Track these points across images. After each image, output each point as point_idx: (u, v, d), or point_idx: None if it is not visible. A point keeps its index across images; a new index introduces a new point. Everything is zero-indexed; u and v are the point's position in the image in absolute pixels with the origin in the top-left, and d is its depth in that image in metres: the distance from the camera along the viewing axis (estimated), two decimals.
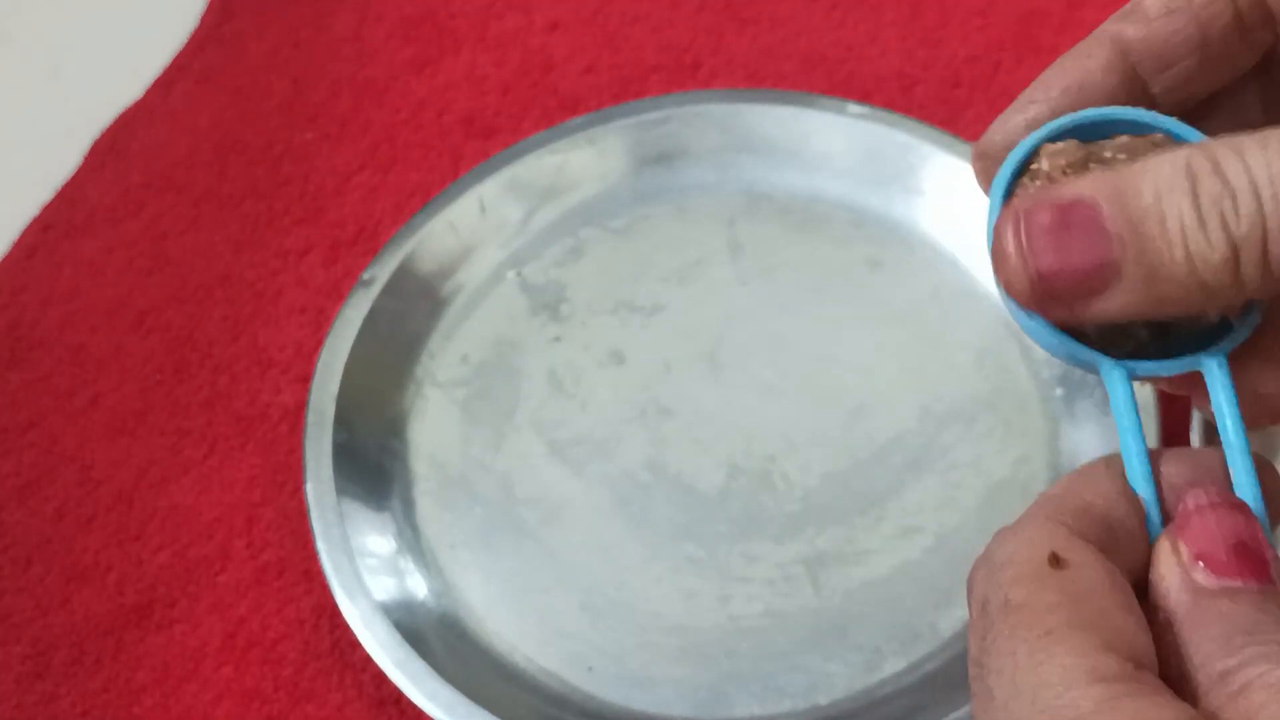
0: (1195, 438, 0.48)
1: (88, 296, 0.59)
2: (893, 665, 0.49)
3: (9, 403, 0.56)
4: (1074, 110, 0.32)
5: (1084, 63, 0.33)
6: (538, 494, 0.53)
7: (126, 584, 0.52)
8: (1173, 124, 0.32)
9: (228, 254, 0.60)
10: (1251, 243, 0.28)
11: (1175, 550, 0.29)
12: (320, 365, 0.54)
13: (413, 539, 0.52)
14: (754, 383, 0.55)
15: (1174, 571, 0.28)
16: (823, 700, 0.48)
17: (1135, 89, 0.33)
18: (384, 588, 0.50)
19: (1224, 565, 0.28)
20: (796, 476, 0.52)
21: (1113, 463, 0.31)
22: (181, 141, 0.63)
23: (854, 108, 0.58)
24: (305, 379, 0.55)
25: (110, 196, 0.61)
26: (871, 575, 0.51)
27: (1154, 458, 0.31)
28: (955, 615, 0.50)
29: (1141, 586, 0.29)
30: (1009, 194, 0.31)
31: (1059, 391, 0.53)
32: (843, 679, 0.49)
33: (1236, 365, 0.31)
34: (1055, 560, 0.28)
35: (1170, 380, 0.32)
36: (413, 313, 0.56)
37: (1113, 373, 0.30)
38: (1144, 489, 0.30)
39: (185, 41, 0.66)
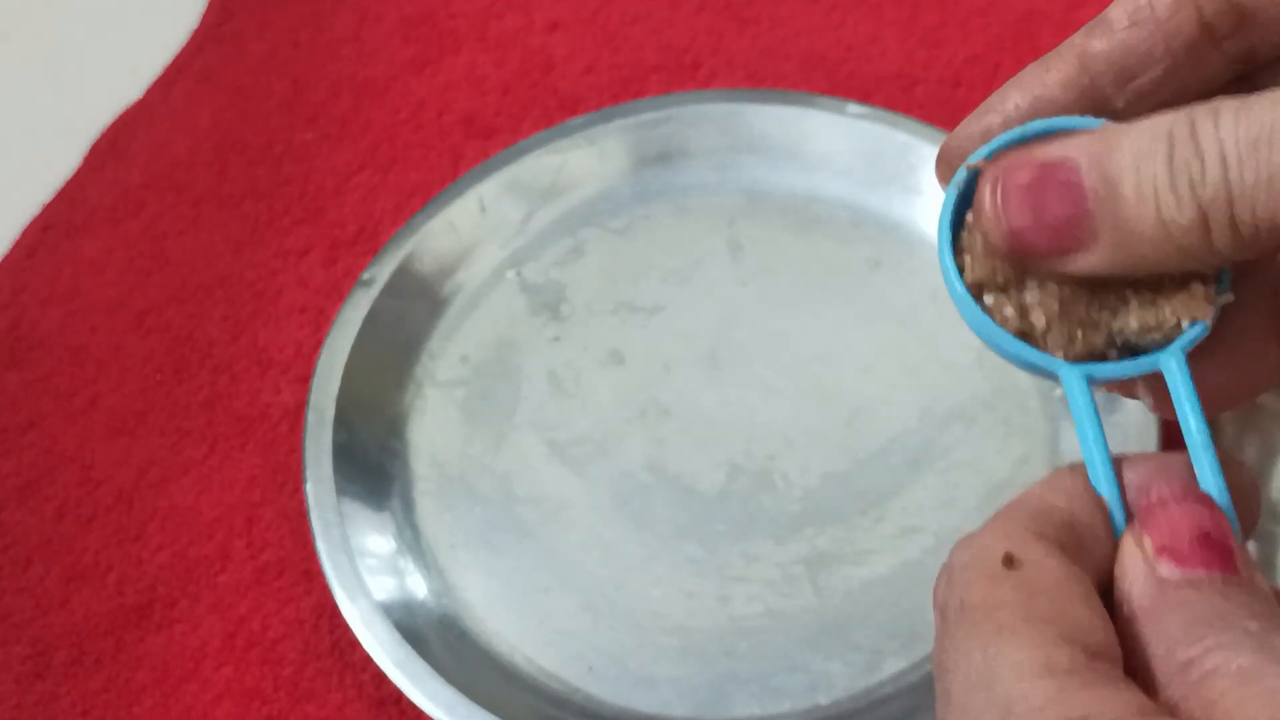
0: None
1: (88, 296, 0.59)
2: (893, 665, 0.49)
3: (9, 403, 0.56)
4: (1028, 121, 0.32)
5: (1041, 76, 0.34)
6: (537, 494, 0.53)
7: (126, 584, 0.52)
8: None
9: (228, 254, 0.60)
10: (1218, 207, 0.28)
11: (1139, 544, 0.29)
12: (320, 365, 0.54)
13: (413, 539, 0.52)
14: (754, 383, 0.55)
15: (1138, 564, 0.28)
16: (823, 700, 0.48)
17: (1096, 102, 0.33)
18: (384, 588, 0.50)
19: (1187, 556, 0.28)
20: (796, 476, 0.52)
21: (1077, 468, 0.31)
22: (181, 141, 0.63)
23: (854, 108, 0.58)
24: (305, 379, 0.55)
25: (110, 196, 0.61)
26: (871, 575, 0.51)
27: (1118, 462, 0.31)
28: None
29: (1109, 586, 0.29)
30: (964, 202, 0.32)
31: (1059, 392, 0.53)
32: (843, 679, 0.49)
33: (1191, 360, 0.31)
34: (1010, 560, 0.28)
35: (1125, 386, 0.32)
36: (413, 313, 0.56)
37: (1071, 377, 0.30)
38: (1107, 490, 0.30)
39: (185, 41, 0.66)
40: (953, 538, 0.51)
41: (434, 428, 0.54)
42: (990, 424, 0.53)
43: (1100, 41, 0.33)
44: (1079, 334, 0.31)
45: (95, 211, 0.61)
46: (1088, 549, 0.30)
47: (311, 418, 0.53)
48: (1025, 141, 0.32)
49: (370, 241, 0.59)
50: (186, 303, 0.58)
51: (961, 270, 0.31)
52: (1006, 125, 0.33)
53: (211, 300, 0.58)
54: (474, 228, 0.58)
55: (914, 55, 0.63)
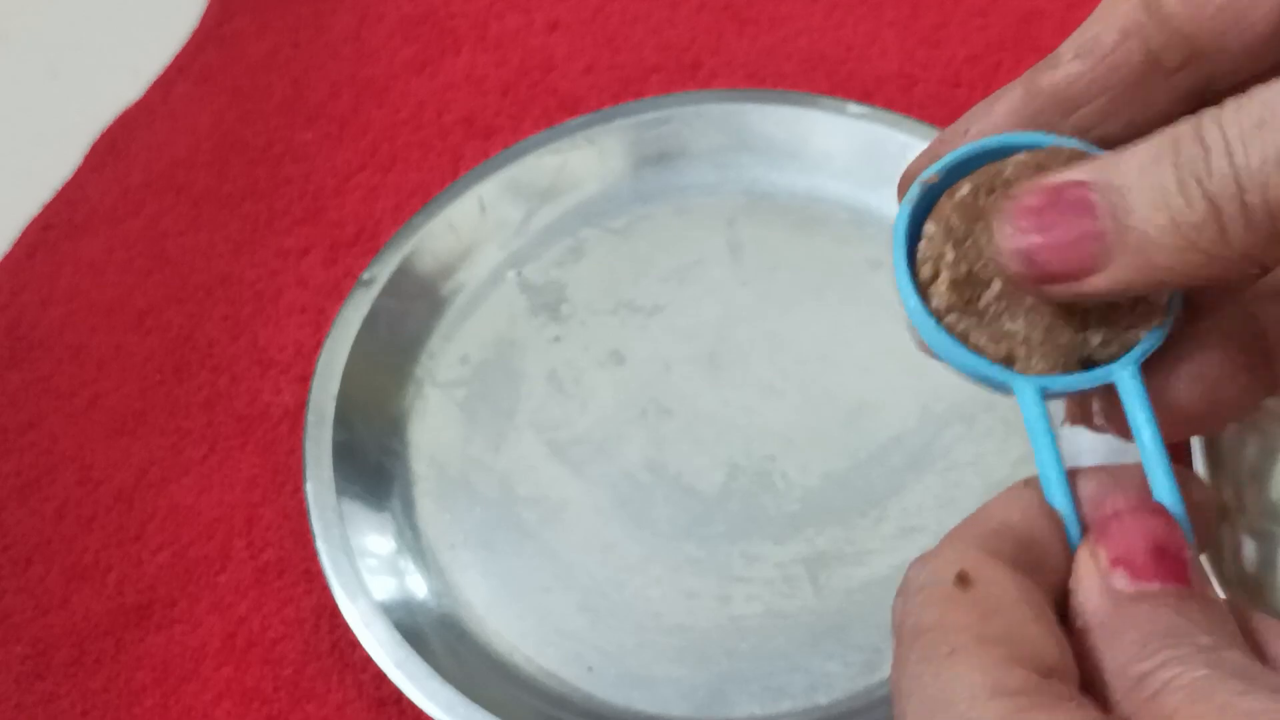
0: (1197, 453, 0.48)
1: (87, 296, 0.59)
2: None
3: (9, 403, 0.56)
4: None
5: (990, 107, 0.34)
6: (538, 494, 0.53)
7: (126, 584, 0.52)
8: (1075, 143, 0.32)
9: (228, 254, 0.60)
10: (1228, 196, 0.28)
11: (1094, 557, 0.29)
12: (320, 365, 0.54)
13: (413, 539, 0.52)
14: (754, 383, 0.55)
15: (1092, 578, 0.29)
16: (823, 700, 0.48)
17: (1041, 130, 0.33)
18: (384, 587, 0.50)
19: (1141, 569, 0.28)
20: (796, 476, 0.52)
21: (1032, 483, 0.31)
22: (181, 141, 0.63)
23: (854, 108, 0.58)
24: (305, 379, 0.55)
25: (110, 196, 0.61)
26: (871, 575, 0.51)
27: (1073, 475, 0.31)
28: None
29: (1067, 600, 0.29)
30: (917, 218, 0.32)
31: None
32: (843, 679, 0.49)
33: (1149, 378, 0.31)
34: (963, 580, 0.28)
35: (1080, 408, 0.32)
36: (413, 313, 0.56)
37: (1025, 390, 0.30)
38: (1063, 504, 0.30)
39: (185, 41, 0.66)
40: None
41: (434, 428, 0.54)
42: (990, 424, 0.53)
43: (1048, 74, 0.33)
44: (1039, 353, 0.31)
45: (95, 211, 0.61)
46: (1043, 565, 0.30)
47: (311, 417, 0.53)
48: (977, 157, 0.32)
49: (370, 241, 0.59)
50: (186, 303, 0.58)
51: (916, 281, 0.32)
52: None
53: (211, 300, 0.58)
54: (474, 228, 0.58)
55: (914, 55, 0.63)
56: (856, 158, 0.58)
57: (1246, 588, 0.47)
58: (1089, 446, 0.52)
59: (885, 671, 0.49)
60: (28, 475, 0.55)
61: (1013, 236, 0.30)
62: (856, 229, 0.57)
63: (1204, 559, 0.46)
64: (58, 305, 0.59)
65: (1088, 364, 0.31)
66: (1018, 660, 0.27)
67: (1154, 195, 0.29)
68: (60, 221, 0.61)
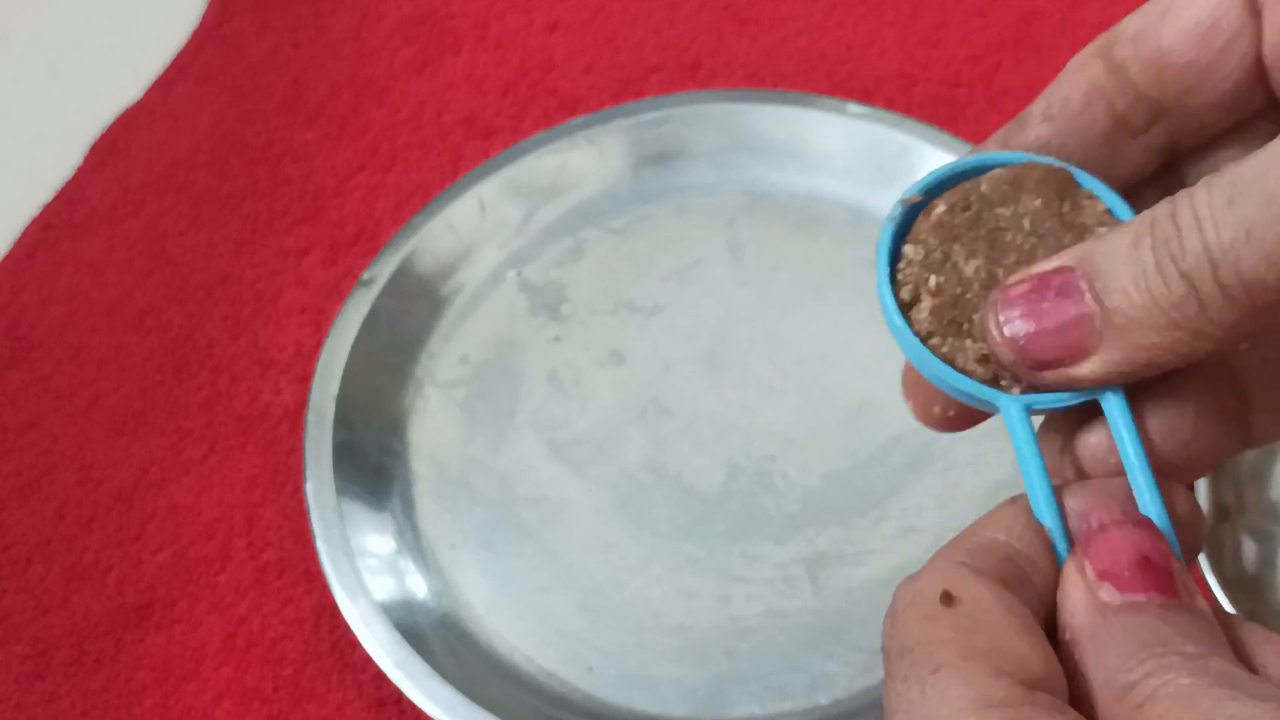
0: None
1: (88, 296, 0.59)
2: None
3: (9, 403, 0.56)
4: None
5: None
6: (537, 494, 0.53)
7: (126, 584, 0.52)
8: (1049, 160, 0.32)
9: (228, 254, 0.60)
10: (1203, 274, 0.28)
11: (1080, 570, 0.29)
12: (320, 365, 0.54)
13: (413, 539, 0.52)
14: (754, 383, 0.55)
15: (1079, 590, 0.29)
16: (823, 700, 0.48)
17: None
18: (384, 587, 0.50)
19: (1127, 581, 0.28)
20: (796, 476, 0.52)
21: (1019, 500, 0.31)
22: (181, 141, 0.63)
23: (854, 108, 0.58)
24: (305, 379, 0.55)
25: (110, 196, 0.61)
26: (871, 575, 0.51)
27: (1059, 490, 0.31)
28: None
29: (1054, 614, 0.30)
30: (901, 238, 0.32)
31: None
32: (843, 679, 0.49)
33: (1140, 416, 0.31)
34: (947, 598, 0.28)
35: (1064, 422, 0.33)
36: (413, 312, 0.56)
37: (1011, 408, 0.31)
38: (1050, 519, 0.30)
39: (185, 41, 0.66)
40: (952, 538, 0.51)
41: (434, 428, 0.54)
42: (990, 424, 0.53)
43: (1019, 136, 0.33)
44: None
45: (95, 211, 0.61)
46: (1029, 580, 0.30)
47: (311, 418, 0.53)
48: (955, 175, 0.32)
49: (370, 242, 0.59)
50: (186, 303, 0.58)
51: (898, 299, 0.32)
52: None
53: (211, 300, 0.58)
54: (474, 228, 0.58)
55: (914, 55, 0.63)
56: (856, 158, 0.58)
57: (1246, 588, 0.47)
58: None
59: None
60: (28, 475, 0.55)
61: (1004, 325, 0.30)
62: (856, 229, 0.57)
63: (1204, 559, 0.46)
64: (58, 305, 0.59)
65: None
66: (1003, 673, 0.27)
67: (1134, 277, 0.29)
68: (60, 221, 0.61)
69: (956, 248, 0.31)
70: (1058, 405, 0.31)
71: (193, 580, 0.52)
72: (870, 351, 0.55)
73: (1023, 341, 0.30)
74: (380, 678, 0.49)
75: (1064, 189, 0.32)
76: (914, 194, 0.32)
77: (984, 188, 0.31)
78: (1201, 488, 0.47)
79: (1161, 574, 0.28)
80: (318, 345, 0.56)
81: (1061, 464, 0.32)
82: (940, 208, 0.31)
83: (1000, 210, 0.32)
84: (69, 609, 0.52)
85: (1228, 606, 0.45)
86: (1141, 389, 0.31)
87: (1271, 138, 0.28)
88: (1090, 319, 0.29)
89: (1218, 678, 0.26)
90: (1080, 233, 0.31)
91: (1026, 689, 0.27)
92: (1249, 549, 0.48)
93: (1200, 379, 0.32)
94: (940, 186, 0.32)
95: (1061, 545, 0.30)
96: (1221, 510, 0.48)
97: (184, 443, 0.55)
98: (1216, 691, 0.26)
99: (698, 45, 0.64)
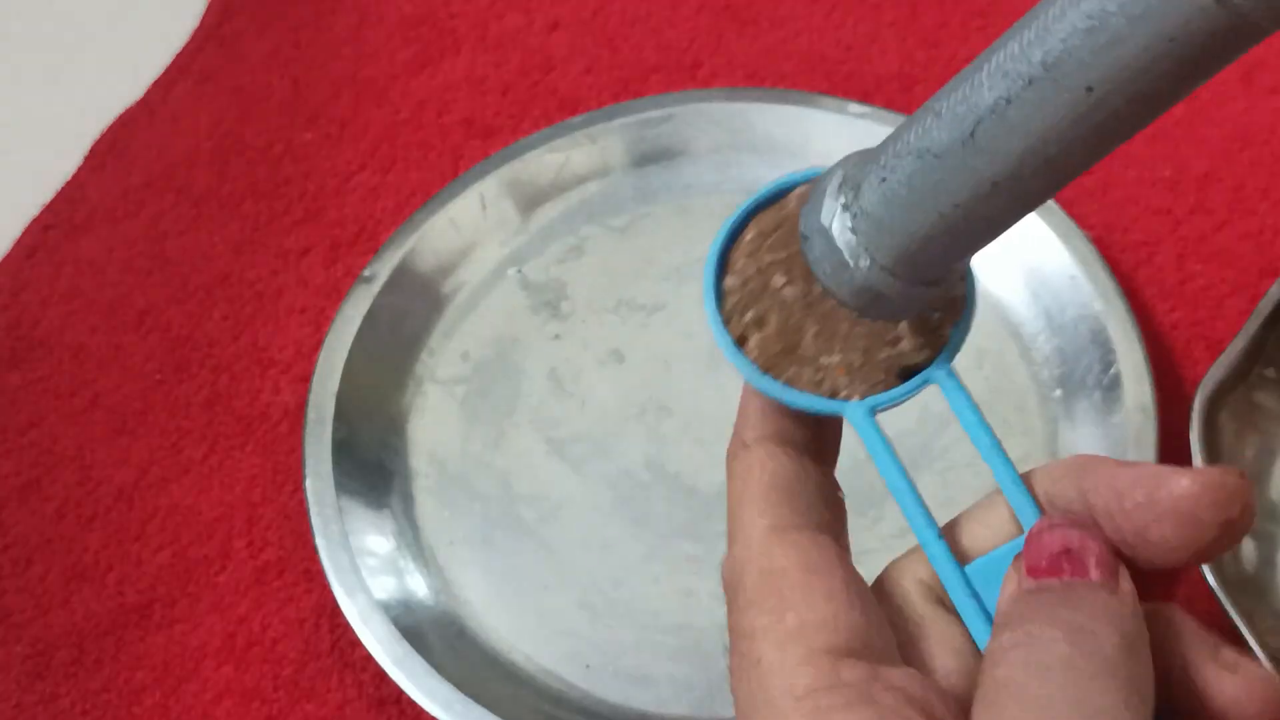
0: (1196, 454, 0.48)
1: (88, 296, 0.59)
2: None
3: (9, 402, 0.56)
4: None
5: None
6: (537, 492, 0.53)
7: (126, 583, 0.52)
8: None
9: (228, 254, 0.60)
10: None
11: (1016, 568, 0.30)
12: (321, 362, 0.54)
13: (412, 537, 0.52)
14: None
15: (1011, 584, 0.30)
16: None
17: None
18: (383, 586, 0.50)
19: (1043, 570, 0.30)
20: None
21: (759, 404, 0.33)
22: (181, 141, 0.63)
23: (854, 107, 0.58)
24: (305, 378, 0.55)
25: (110, 196, 0.62)
26: (869, 575, 0.50)
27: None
28: None
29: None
30: (725, 259, 0.32)
31: (1058, 393, 0.53)
32: None
33: None
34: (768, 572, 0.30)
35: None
36: (413, 310, 0.56)
37: (857, 414, 0.31)
38: (914, 510, 0.32)
39: (185, 42, 0.66)
40: None
41: (434, 425, 0.54)
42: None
43: None
44: (861, 375, 0.31)
45: (95, 211, 0.61)
46: (816, 501, 0.32)
47: (311, 414, 0.53)
48: (766, 199, 0.32)
49: (370, 241, 0.59)
50: (186, 303, 0.58)
51: (731, 334, 0.32)
52: None
53: (211, 300, 0.58)
54: (475, 225, 0.58)
55: (914, 55, 0.63)
56: None
57: (1246, 588, 0.47)
58: (1087, 447, 0.52)
59: None
60: (28, 475, 0.55)
61: None
62: None
63: None
64: (58, 305, 0.59)
65: (908, 372, 0.31)
66: (815, 654, 0.29)
67: None
68: (61, 221, 0.61)
69: (773, 273, 0.31)
70: (900, 399, 0.31)
71: (193, 580, 0.52)
72: None
73: None
74: (380, 677, 0.49)
75: None
76: (732, 224, 0.32)
77: (791, 206, 0.32)
78: None
79: (1076, 561, 0.29)
80: (318, 345, 0.56)
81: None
82: (749, 234, 0.32)
83: None
84: (69, 609, 0.52)
85: (1228, 606, 0.45)
86: None
87: None
88: None
89: (1094, 652, 0.27)
90: None
91: (834, 666, 0.28)
92: (1248, 549, 0.48)
93: None
94: (762, 205, 0.32)
95: (922, 527, 0.30)
96: None
97: (184, 442, 0.55)
98: (1045, 686, 0.27)
99: (698, 45, 0.64)
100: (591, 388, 0.55)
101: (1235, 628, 0.44)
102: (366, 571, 0.50)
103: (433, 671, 0.47)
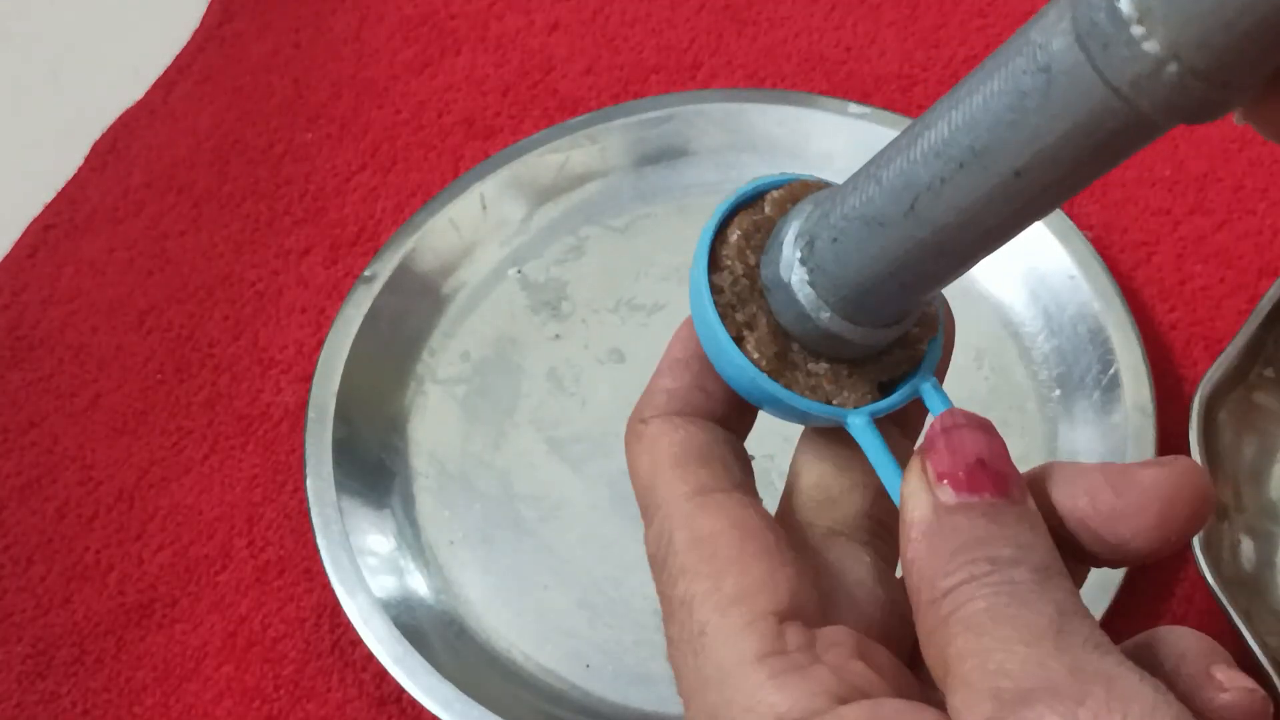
0: (1196, 454, 0.48)
1: (89, 296, 0.59)
2: None
3: (10, 402, 0.56)
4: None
5: None
6: (537, 491, 0.53)
7: (127, 583, 0.52)
8: (815, 177, 0.33)
9: (228, 254, 0.60)
10: None
11: (923, 471, 0.29)
12: (321, 361, 0.54)
13: (412, 536, 0.52)
14: None
15: (921, 493, 0.29)
16: None
17: None
18: (384, 585, 0.50)
19: (963, 481, 0.28)
20: None
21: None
22: (182, 142, 0.63)
23: (854, 108, 0.58)
24: (306, 378, 0.55)
25: (111, 196, 0.62)
26: None
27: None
28: None
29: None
30: (712, 252, 0.32)
31: (1057, 393, 0.53)
32: None
33: None
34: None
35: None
36: (414, 310, 0.56)
37: (858, 422, 0.31)
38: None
39: (186, 42, 0.66)
40: None
41: (434, 425, 0.54)
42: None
43: None
44: (849, 385, 0.32)
45: (96, 211, 0.61)
46: (733, 463, 0.32)
47: (312, 414, 0.53)
48: (737, 205, 0.32)
49: (371, 242, 0.59)
50: (187, 302, 0.58)
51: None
52: None
53: (212, 300, 0.58)
54: (475, 225, 0.58)
55: (913, 55, 0.63)
56: (856, 158, 0.57)
57: (1245, 586, 0.47)
58: (1086, 447, 0.52)
59: None
60: (29, 475, 0.55)
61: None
62: None
63: (1202, 558, 0.46)
64: (59, 305, 0.59)
65: (888, 382, 0.32)
66: (758, 616, 0.28)
67: None
68: (61, 221, 0.61)
69: (757, 275, 0.31)
70: (894, 407, 0.32)
71: (194, 579, 0.52)
72: None
73: None
74: (381, 676, 0.49)
75: None
76: (718, 221, 0.32)
77: (766, 209, 0.32)
78: None
79: (996, 475, 0.29)
80: (318, 345, 0.56)
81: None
82: (735, 234, 0.32)
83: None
84: (70, 608, 0.52)
85: (1227, 606, 0.45)
86: None
87: None
88: None
89: (1014, 596, 0.27)
90: None
91: (779, 629, 0.28)
92: (1247, 548, 0.48)
93: None
94: (743, 204, 0.32)
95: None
96: (1220, 509, 0.48)
97: (185, 442, 0.55)
98: (1011, 614, 0.26)
99: (698, 45, 0.64)
100: (591, 388, 0.55)
101: (1235, 627, 0.44)
102: (367, 571, 0.50)
103: (433, 670, 0.47)
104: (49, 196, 0.62)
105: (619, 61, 0.64)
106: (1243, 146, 0.59)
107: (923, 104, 0.61)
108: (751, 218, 0.32)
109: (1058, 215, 0.55)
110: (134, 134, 0.64)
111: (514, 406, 0.55)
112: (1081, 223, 0.56)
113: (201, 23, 0.67)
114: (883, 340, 0.31)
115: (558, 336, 0.56)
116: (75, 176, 0.62)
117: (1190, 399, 0.49)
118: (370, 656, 0.49)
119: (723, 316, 0.31)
